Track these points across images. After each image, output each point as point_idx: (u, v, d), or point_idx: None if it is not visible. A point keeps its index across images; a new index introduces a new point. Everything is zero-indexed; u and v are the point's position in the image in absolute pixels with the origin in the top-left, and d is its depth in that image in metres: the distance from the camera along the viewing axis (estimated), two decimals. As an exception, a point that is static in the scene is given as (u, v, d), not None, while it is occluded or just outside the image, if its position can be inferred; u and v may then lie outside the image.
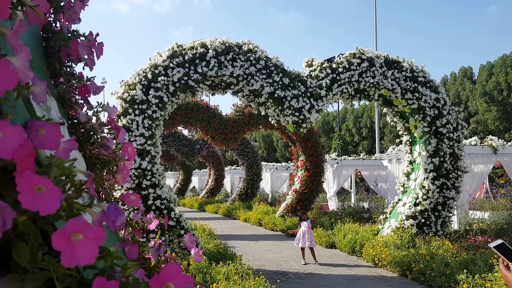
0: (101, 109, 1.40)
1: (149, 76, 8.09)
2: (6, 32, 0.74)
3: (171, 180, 41.39)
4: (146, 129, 7.87)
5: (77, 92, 1.37)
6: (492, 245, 1.93)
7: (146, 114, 7.93)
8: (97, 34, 1.44)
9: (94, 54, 1.43)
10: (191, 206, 26.80)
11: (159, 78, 8.07)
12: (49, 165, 0.73)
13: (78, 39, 1.33)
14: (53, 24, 1.41)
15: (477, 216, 12.05)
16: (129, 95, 7.92)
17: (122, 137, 1.32)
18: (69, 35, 1.37)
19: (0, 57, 0.71)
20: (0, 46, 0.87)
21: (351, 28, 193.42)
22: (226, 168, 29.41)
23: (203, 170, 38.61)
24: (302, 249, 9.23)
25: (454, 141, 9.45)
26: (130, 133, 7.75)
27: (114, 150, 1.25)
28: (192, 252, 1.39)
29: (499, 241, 1.91)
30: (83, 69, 1.44)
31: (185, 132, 23.55)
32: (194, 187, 38.10)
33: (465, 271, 6.64)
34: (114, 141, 1.34)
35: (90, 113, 1.39)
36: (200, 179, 36.87)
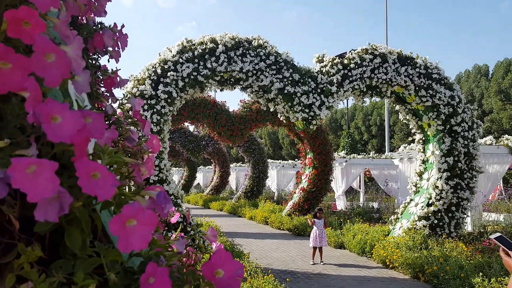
0: (126, 101, 1.40)
1: (159, 71, 8.06)
2: (57, 22, 0.74)
3: (175, 176, 41.40)
4: (154, 124, 7.88)
5: (102, 85, 1.39)
6: (492, 236, 2.27)
7: (155, 109, 7.89)
8: (123, 26, 1.45)
9: (119, 46, 1.44)
10: (195, 203, 26.73)
11: (169, 73, 8.05)
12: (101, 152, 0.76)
13: (104, 31, 1.34)
14: (79, 17, 1.43)
15: (492, 218, 11.81)
16: (138, 90, 7.88)
17: (147, 130, 1.32)
18: (94, 27, 1.40)
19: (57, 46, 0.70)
20: (53, 36, 0.85)
21: (359, 23, 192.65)
22: (231, 165, 29.31)
23: (207, 166, 38.53)
24: (314, 248, 9.07)
25: (469, 140, 9.23)
26: (138, 128, 7.68)
27: (139, 142, 1.24)
28: (214, 246, 1.40)
29: (498, 234, 2.23)
30: (108, 61, 1.45)
31: (191, 128, 23.46)
32: (198, 183, 38.08)
33: (480, 274, 6.46)
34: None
35: (114, 105, 1.40)
36: (204, 176, 36.84)
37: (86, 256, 0.68)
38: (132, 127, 1.30)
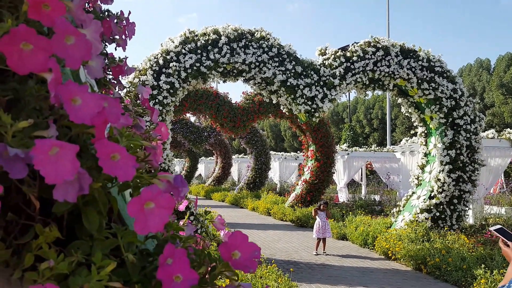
0: (133, 89, 1.40)
1: (161, 61, 8.06)
2: (72, 6, 0.74)
3: (177, 167, 41.46)
4: (156, 115, 7.85)
5: (110, 72, 1.38)
6: (492, 228, 2.36)
7: (156, 100, 7.91)
8: (129, 13, 1.44)
9: (127, 34, 1.44)
10: (197, 194, 26.80)
11: (171, 64, 8.05)
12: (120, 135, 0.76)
13: (111, 19, 1.35)
14: (87, 4, 1.43)
15: (493, 211, 11.83)
16: (139, 80, 7.88)
17: (155, 118, 1.31)
18: (102, 15, 1.39)
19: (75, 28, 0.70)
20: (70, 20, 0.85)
21: (361, 16, 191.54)
22: (233, 157, 29.31)
23: (209, 157, 38.57)
24: (319, 239, 9.12)
25: (471, 133, 9.22)
26: (140, 119, 7.71)
27: (147, 130, 1.23)
28: (222, 234, 1.37)
29: (498, 226, 2.32)
30: (115, 49, 1.45)
31: (192, 119, 23.44)
32: (200, 174, 38.13)
33: (482, 266, 6.50)
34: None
35: (121, 93, 1.41)
36: (206, 167, 36.88)
37: (103, 238, 0.68)
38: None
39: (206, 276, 0.77)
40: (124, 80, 8.13)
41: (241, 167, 30.48)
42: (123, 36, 1.42)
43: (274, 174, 24.93)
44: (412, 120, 10.15)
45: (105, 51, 1.41)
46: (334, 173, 15.86)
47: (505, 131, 11.04)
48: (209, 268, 0.77)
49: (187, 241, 0.86)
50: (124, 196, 0.85)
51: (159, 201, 0.66)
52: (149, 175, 0.80)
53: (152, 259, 0.75)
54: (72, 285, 0.59)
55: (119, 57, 1.42)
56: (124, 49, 1.42)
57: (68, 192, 0.61)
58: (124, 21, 1.46)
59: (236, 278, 0.80)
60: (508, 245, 2.21)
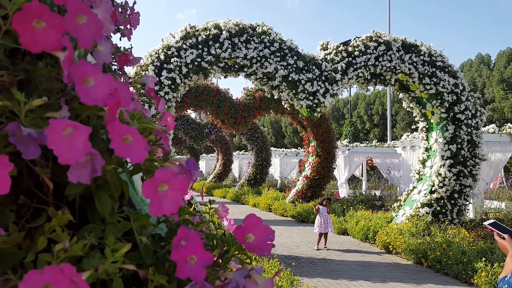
0: (138, 79, 1.41)
1: (162, 57, 8.04)
2: None
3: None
4: (157, 110, 7.85)
5: (115, 63, 1.38)
6: (486, 223, 2.45)
7: (158, 96, 7.87)
8: (134, 2, 1.43)
9: (131, 24, 1.45)
10: (198, 191, 26.82)
11: (172, 59, 8.03)
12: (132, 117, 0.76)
13: (116, 8, 1.34)
14: None
15: (494, 205, 11.86)
16: (141, 76, 7.86)
17: (161, 107, 1.30)
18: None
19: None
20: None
21: (362, 12, 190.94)
22: (234, 153, 29.33)
23: (210, 154, 38.59)
24: (320, 234, 9.15)
25: (472, 128, 9.24)
26: (142, 115, 7.72)
27: (153, 120, 1.22)
28: (225, 222, 1.39)
29: (492, 220, 2.43)
30: (120, 39, 1.46)
31: (193, 115, 23.44)
32: (201, 171, 38.16)
33: (483, 259, 6.53)
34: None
35: None
36: (207, 164, 36.90)
37: (115, 221, 0.68)
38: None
39: (219, 260, 0.77)
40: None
41: (241, 164, 30.51)
42: (128, 26, 1.42)
43: (275, 170, 24.95)
44: (413, 115, 10.16)
45: (111, 41, 1.42)
46: (335, 168, 15.88)
47: (506, 125, 11.05)
48: (222, 252, 0.77)
49: (199, 225, 0.87)
50: (133, 184, 0.85)
51: (173, 183, 0.66)
52: (161, 158, 0.80)
53: (164, 243, 0.75)
54: (87, 266, 0.59)
55: (124, 47, 1.41)
56: (129, 39, 1.42)
57: (81, 174, 0.61)
58: (129, 10, 1.46)
59: (249, 261, 0.79)
60: (503, 238, 2.29)
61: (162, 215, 0.66)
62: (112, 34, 1.37)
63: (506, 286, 2.14)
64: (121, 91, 0.70)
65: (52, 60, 0.71)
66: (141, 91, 1.38)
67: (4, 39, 0.64)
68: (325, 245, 9.14)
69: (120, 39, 1.43)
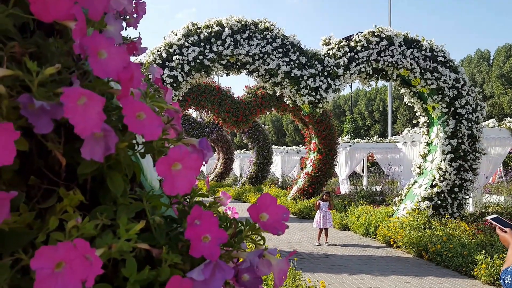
0: (144, 69, 1.35)
1: (164, 55, 8.01)
2: None
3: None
4: (159, 108, 7.86)
5: None
6: (488, 218, 2.54)
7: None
8: None
9: (138, 13, 1.38)
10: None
11: (174, 57, 7.98)
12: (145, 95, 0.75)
13: None
14: None
15: (493, 199, 11.94)
16: (147, 66, 7.88)
17: (169, 97, 1.28)
18: None
19: None
20: None
21: (362, 8, 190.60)
22: (235, 152, 29.36)
23: (211, 153, 38.51)
24: (320, 230, 9.20)
25: (472, 122, 9.31)
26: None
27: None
28: (229, 212, 1.38)
29: (494, 215, 2.50)
30: (126, 29, 1.38)
31: (194, 114, 23.50)
32: (202, 171, 38.20)
33: (483, 251, 6.60)
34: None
35: None
36: (208, 163, 36.88)
37: (127, 202, 0.67)
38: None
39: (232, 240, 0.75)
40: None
41: (242, 163, 30.53)
42: (134, 15, 1.37)
43: (276, 168, 25.00)
44: (415, 110, 10.21)
45: None
46: (336, 165, 15.93)
47: (505, 120, 11.13)
48: (235, 232, 0.77)
49: (212, 205, 0.86)
50: (143, 170, 0.83)
51: (186, 162, 0.65)
52: (173, 138, 0.79)
53: (176, 225, 0.74)
54: (100, 244, 0.58)
55: (130, 37, 1.38)
56: (135, 28, 1.37)
57: (95, 151, 0.60)
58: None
59: (263, 242, 0.79)
60: (505, 231, 2.38)
61: (176, 193, 0.65)
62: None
63: (509, 276, 2.19)
64: (134, 70, 0.69)
65: (63, 37, 0.70)
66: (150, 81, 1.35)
67: (14, 10, 0.63)
68: (326, 240, 9.19)
69: (126, 29, 1.38)
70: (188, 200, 0.84)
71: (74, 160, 0.63)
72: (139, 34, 1.42)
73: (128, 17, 1.36)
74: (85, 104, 0.56)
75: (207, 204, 0.86)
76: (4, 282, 0.54)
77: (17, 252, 0.57)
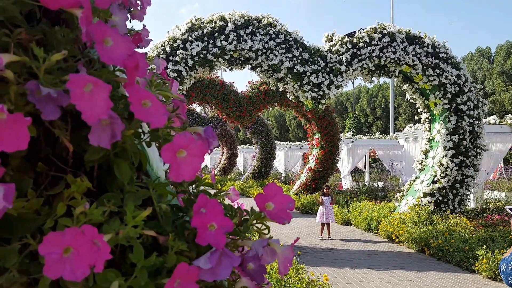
0: (148, 62, 1.36)
1: (168, 49, 8.05)
2: None
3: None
4: (164, 103, 7.91)
5: None
6: (507, 207, 2.77)
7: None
8: None
9: (142, 5, 1.36)
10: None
11: (178, 52, 8.02)
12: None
13: None
14: None
15: (494, 195, 11.97)
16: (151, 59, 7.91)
17: (175, 89, 1.27)
18: None
19: None
20: None
21: (364, 6, 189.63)
22: (239, 147, 29.43)
23: (215, 148, 38.52)
24: (323, 224, 9.25)
25: (474, 119, 9.33)
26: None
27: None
28: (235, 206, 1.42)
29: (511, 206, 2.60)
30: (130, 21, 1.34)
31: (198, 109, 23.55)
32: (206, 165, 38.26)
33: (484, 246, 6.63)
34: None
35: None
36: (212, 158, 36.94)
37: (134, 190, 0.67)
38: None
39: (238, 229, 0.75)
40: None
41: (246, 157, 30.56)
42: (138, 8, 1.34)
43: (279, 163, 25.03)
44: (417, 106, 10.23)
45: None
46: (338, 160, 15.96)
47: (506, 116, 11.14)
48: (240, 221, 0.77)
49: (217, 194, 0.85)
50: (148, 160, 0.82)
51: (191, 149, 0.64)
52: (178, 127, 0.79)
53: (181, 214, 0.74)
54: (107, 230, 0.58)
55: (134, 29, 1.37)
56: (141, 20, 1.35)
57: (102, 138, 0.60)
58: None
59: (267, 232, 0.79)
60: None
61: (182, 180, 0.64)
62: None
63: (504, 264, 2.27)
64: (139, 58, 0.69)
65: (68, 27, 0.70)
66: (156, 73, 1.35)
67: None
68: (328, 235, 9.24)
69: (130, 21, 1.35)
70: (194, 190, 0.84)
71: (81, 148, 0.64)
72: (144, 26, 1.40)
73: (132, 9, 1.34)
74: (91, 91, 0.57)
75: (212, 193, 0.87)
76: (13, 267, 0.55)
77: (26, 237, 0.57)
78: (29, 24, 0.66)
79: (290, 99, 9.37)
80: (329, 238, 9.13)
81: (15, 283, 0.55)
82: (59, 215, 0.59)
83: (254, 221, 0.77)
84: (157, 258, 0.62)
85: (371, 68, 9.05)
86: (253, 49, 8.43)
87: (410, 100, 10.19)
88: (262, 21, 8.59)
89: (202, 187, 0.84)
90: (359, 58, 8.84)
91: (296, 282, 4.64)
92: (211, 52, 8.22)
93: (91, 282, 0.57)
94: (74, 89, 0.55)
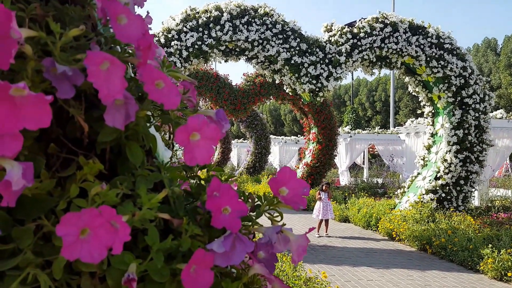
0: None
1: (162, 40, 7.97)
2: None
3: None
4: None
5: None
6: None
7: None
8: None
9: None
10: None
11: (172, 43, 7.96)
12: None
13: None
14: None
15: (500, 193, 11.76)
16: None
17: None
18: None
19: None
20: None
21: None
22: (233, 142, 29.24)
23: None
24: (320, 221, 9.03)
25: (480, 113, 9.08)
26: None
27: None
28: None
29: None
30: None
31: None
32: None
33: (489, 246, 6.42)
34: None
35: None
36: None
37: (145, 173, 0.68)
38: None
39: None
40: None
41: (240, 152, 30.46)
42: None
43: (274, 158, 24.86)
44: (419, 100, 10.00)
45: None
46: (336, 155, 15.76)
47: (514, 111, 10.91)
48: (253, 206, 0.77)
49: (228, 179, 0.85)
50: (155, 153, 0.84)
51: (205, 132, 0.65)
52: (190, 110, 0.79)
53: (192, 199, 0.75)
54: (122, 212, 0.58)
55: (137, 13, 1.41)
56: (142, 7, 1.40)
57: (116, 118, 0.61)
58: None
59: (280, 219, 0.77)
60: None
61: (195, 164, 0.65)
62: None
63: None
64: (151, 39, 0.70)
65: (77, 5, 0.71)
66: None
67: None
68: (326, 232, 9.03)
69: None
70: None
71: (93, 130, 0.64)
72: (147, 12, 1.37)
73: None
74: (108, 69, 0.57)
75: (223, 178, 0.86)
76: (28, 248, 0.56)
77: (40, 218, 0.58)
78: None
79: (287, 91, 9.19)
80: (327, 235, 8.93)
81: (30, 264, 0.56)
82: (72, 196, 0.59)
83: (267, 207, 0.77)
84: (173, 242, 0.64)
85: (372, 59, 8.79)
86: (249, 39, 8.24)
87: (412, 93, 9.95)
88: (258, 10, 8.40)
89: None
90: (360, 49, 8.57)
91: (294, 278, 4.58)
92: (206, 43, 8.07)
93: (105, 265, 0.58)
94: (91, 66, 0.56)
